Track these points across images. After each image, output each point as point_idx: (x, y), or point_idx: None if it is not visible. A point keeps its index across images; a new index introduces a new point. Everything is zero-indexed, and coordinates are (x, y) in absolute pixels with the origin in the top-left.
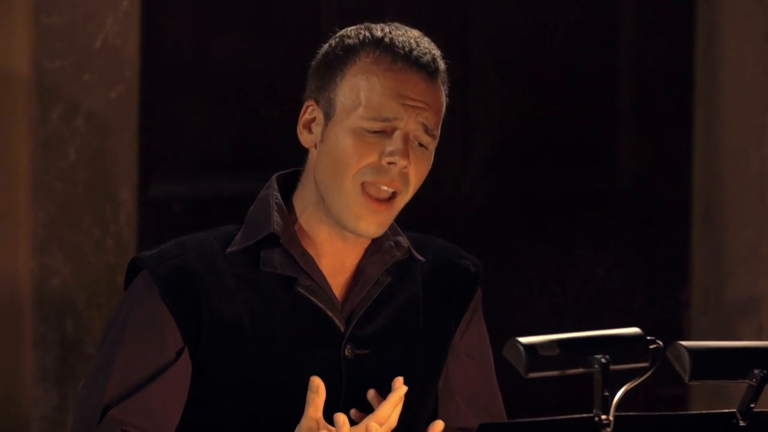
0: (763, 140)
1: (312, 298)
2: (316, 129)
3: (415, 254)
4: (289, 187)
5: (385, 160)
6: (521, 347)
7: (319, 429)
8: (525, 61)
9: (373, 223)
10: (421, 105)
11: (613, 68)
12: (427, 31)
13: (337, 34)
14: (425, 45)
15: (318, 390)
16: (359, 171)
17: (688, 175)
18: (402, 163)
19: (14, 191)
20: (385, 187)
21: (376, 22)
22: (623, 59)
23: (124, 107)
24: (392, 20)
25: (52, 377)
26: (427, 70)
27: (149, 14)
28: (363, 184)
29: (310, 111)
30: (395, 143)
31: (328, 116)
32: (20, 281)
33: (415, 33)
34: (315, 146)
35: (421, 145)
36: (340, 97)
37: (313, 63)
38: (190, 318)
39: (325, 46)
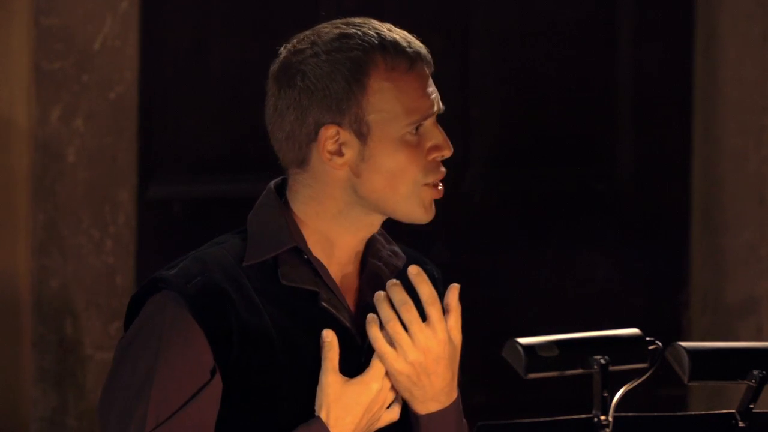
0: (762, 141)
1: (334, 312)
2: (349, 151)
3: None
4: (281, 194)
5: (433, 156)
6: (520, 348)
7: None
8: (525, 61)
9: (434, 208)
10: (436, 91)
11: (613, 69)
12: (427, 31)
13: (314, 47)
14: (412, 37)
15: (333, 340)
16: (418, 175)
17: (687, 176)
18: (449, 153)
19: (13, 192)
20: (440, 181)
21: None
22: (623, 60)
23: (123, 108)
24: (393, 21)
25: (51, 378)
26: (428, 60)
27: (148, 15)
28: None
29: (333, 135)
30: (437, 135)
31: (362, 135)
32: (19, 282)
33: (390, 26)
34: (348, 167)
35: None
36: (371, 113)
37: (299, 84)
38: (222, 335)
39: (304, 61)
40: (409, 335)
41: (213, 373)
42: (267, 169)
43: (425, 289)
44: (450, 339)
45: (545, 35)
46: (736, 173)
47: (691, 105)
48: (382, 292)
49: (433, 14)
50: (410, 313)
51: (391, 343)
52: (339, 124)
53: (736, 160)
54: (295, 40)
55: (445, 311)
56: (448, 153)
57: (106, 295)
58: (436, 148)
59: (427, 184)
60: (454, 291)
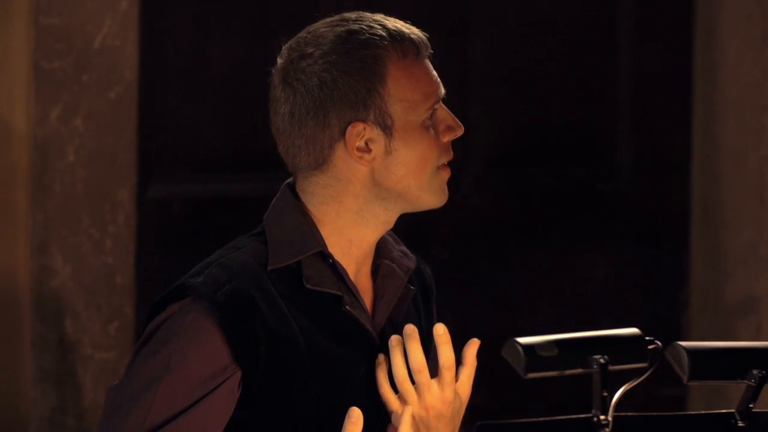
0: (762, 141)
1: (356, 316)
2: (376, 146)
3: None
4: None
5: (448, 137)
6: (520, 348)
7: None
8: (525, 60)
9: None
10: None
11: (613, 68)
12: (427, 31)
13: (321, 48)
14: (408, 24)
15: (358, 421)
16: (437, 158)
17: (687, 175)
18: (461, 131)
19: (13, 191)
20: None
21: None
22: (622, 59)
23: (122, 108)
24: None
25: (51, 378)
26: (428, 43)
27: (148, 14)
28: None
29: (360, 132)
30: (447, 117)
31: (387, 128)
32: (19, 281)
33: (383, 16)
34: (375, 162)
35: None
36: (393, 105)
37: (316, 87)
38: (249, 344)
39: (315, 63)
40: (417, 391)
41: (225, 381)
42: (267, 169)
43: (445, 351)
44: (457, 395)
45: (545, 35)
46: (735, 173)
47: (691, 105)
48: (398, 338)
49: (433, 14)
50: (423, 376)
51: (396, 389)
52: (364, 121)
53: (736, 159)
54: (293, 44)
55: (460, 363)
56: (460, 131)
57: (106, 294)
58: (449, 128)
59: (440, 166)
60: (473, 346)
